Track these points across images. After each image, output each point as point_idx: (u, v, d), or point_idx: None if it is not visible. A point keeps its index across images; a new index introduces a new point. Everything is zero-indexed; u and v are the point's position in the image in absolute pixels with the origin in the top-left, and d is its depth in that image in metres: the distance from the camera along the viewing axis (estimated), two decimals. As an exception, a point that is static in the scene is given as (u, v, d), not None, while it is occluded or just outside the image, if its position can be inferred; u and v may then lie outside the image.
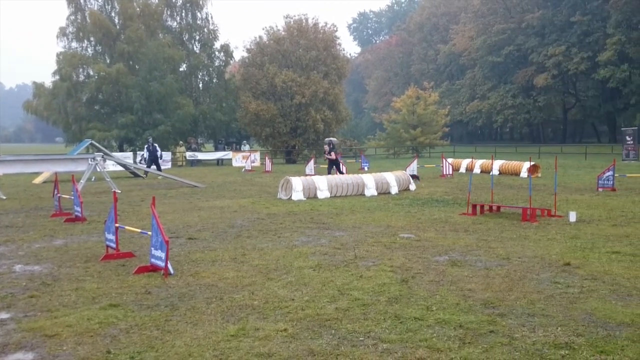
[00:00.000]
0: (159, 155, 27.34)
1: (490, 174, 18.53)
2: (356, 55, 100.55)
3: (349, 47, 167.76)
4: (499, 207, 12.67)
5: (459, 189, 18.05)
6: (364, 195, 16.27)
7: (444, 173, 23.81)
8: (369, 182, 16.57)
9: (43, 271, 7.34)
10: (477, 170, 24.60)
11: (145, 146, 28.12)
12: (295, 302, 5.74)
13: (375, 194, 16.40)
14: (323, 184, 15.89)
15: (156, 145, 27.88)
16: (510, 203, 13.81)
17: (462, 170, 26.31)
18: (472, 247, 8.58)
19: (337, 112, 44.34)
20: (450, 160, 25.65)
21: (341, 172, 20.62)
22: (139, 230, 8.27)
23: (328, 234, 9.87)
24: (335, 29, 45.31)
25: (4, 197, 16.78)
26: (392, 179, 17.14)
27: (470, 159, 25.05)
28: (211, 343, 4.66)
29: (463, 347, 4.52)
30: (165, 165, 34.17)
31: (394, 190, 16.87)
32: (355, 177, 16.93)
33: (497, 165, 23.62)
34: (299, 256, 8.00)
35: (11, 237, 10.02)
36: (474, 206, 12.32)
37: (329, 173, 20.61)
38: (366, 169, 28.61)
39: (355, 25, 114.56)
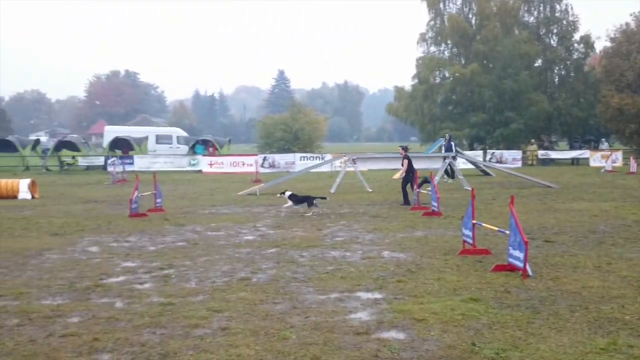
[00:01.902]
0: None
1: None
2: None
3: None
4: None
5: None
6: None
7: None
8: None
9: (407, 259, 8.05)
10: None
11: (443, 142, 27.25)
12: (681, 327, 4.93)
13: None
14: None
15: (452, 143, 25.90)
16: None
17: None
18: None
19: None
20: None
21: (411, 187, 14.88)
22: (496, 229, 8.29)
23: None
24: None
25: (370, 190, 19.00)
26: None
27: None
28: (578, 353, 4.39)
29: None
30: (515, 164, 33.52)
31: None
32: None
33: None
34: (683, 274, 6.84)
35: (378, 226, 11.29)
36: None
37: (413, 187, 14.70)
38: None
39: None
